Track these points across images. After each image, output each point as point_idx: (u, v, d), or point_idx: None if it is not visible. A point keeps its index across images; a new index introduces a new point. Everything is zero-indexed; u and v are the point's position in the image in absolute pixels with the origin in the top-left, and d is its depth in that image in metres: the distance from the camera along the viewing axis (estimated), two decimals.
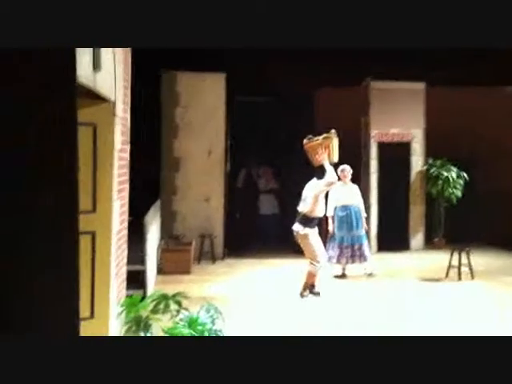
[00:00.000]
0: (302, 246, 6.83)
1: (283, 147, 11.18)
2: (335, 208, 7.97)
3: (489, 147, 11.62)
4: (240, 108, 10.61)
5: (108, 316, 4.02)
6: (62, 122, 1.71)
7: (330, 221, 7.94)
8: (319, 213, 6.81)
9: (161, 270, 8.19)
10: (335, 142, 6.72)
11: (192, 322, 3.90)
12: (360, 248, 7.93)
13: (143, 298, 4.27)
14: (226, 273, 8.42)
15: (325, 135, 6.70)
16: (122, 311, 4.16)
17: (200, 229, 9.16)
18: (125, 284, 4.51)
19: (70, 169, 1.69)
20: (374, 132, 10.25)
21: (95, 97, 3.53)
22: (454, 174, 10.27)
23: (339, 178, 7.96)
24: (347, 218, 7.93)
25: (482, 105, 11.09)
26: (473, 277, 7.91)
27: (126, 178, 4.26)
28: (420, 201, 10.56)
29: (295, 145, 10.46)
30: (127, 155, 4.26)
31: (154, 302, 4.16)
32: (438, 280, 7.98)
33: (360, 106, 10.52)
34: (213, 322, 4.01)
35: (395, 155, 10.26)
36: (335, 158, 6.78)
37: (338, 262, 7.97)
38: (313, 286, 6.94)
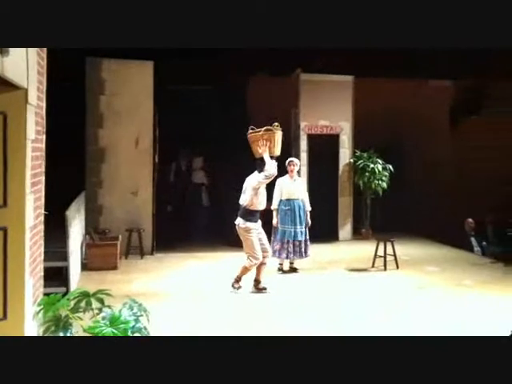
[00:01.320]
0: (242, 239, 6.67)
1: (215, 138, 11.05)
2: (280, 201, 7.81)
3: (414, 139, 12.06)
4: (169, 97, 10.38)
5: (23, 316, 3.78)
6: None
7: (274, 213, 7.79)
8: (259, 206, 6.65)
9: (86, 266, 7.88)
10: (278, 135, 6.65)
11: (114, 320, 3.73)
12: (300, 244, 7.79)
13: (65, 295, 4.06)
14: (154, 268, 8.22)
15: (267, 127, 6.62)
16: (39, 311, 3.94)
17: (128, 223, 8.88)
18: (42, 282, 4.27)
19: None
20: (303, 124, 10.33)
21: (4, 83, 3.27)
22: (379, 166, 10.54)
23: (286, 171, 7.92)
24: (290, 213, 7.76)
25: (407, 98, 11.47)
26: (398, 266, 8.17)
27: (42, 170, 4.00)
28: (348, 192, 10.78)
29: (227, 135, 10.42)
30: (43, 146, 4.00)
31: (75, 301, 3.97)
32: (364, 270, 8.17)
33: (290, 98, 10.57)
34: (136, 320, 3.87)
35: (324, 147, 10.40)
36: (277, 152, 6.70)
37: (280, 256, 7.79)
38: (258, 281, 6.79)
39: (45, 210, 4.18)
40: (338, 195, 10.70)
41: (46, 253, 4.39)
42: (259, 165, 6.64)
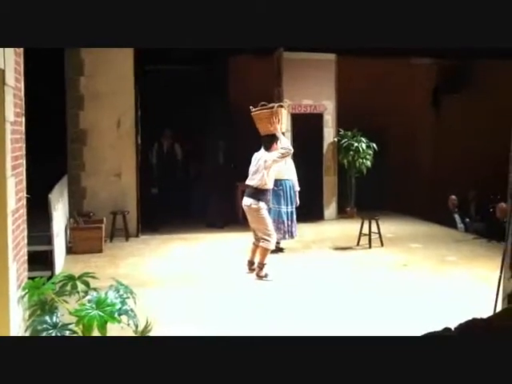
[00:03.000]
0: (253, 220, 6.49)
1: (196, 118, 10.94)
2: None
3: (397, 117, 12.08)
4: (150, 77, 10.22)
5: (7, 300, 3.73)
6: None
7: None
8: (270, 185, 6.51)
9: (70, 250, 7.82)
10: (285, 112, 6.62)
11: (100, 303, 3.71)
12: (291, 224, 7.72)
13: (50, 279, 4.02)
14: (140, 250, 8.17)
15: (279, 104, 6.51)
16: (24, 295, 3.91)
17: (112, 205, 8.80)
18: (26, 266, 4.22)
19: None
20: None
21: None
22: (363, 145, 10.54)
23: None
24: (283, 193, 7.62)
25: (390, 75, 11.46)
26: (382, 244, 8.23)
27: (22, 152, 3.92)
28: (332, 172, 10.80)
29: (208, 116, 10.31)
30: (22, 128, 3.91)
31: (60, 284, 3.94)
32: (350, 248, 8.23)
33: (273, 77, 10.48)
34: (123, 302, 3.85)
35: (308, 127, 10.36)
36: (284, 128, 6.65)
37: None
38: (252, 263, 6.69)
39: (26, 194, 4.11)
40: (322, 174, 10.71)
41: (30, 237, 4.34)
42: (266, 142, 6.45)
